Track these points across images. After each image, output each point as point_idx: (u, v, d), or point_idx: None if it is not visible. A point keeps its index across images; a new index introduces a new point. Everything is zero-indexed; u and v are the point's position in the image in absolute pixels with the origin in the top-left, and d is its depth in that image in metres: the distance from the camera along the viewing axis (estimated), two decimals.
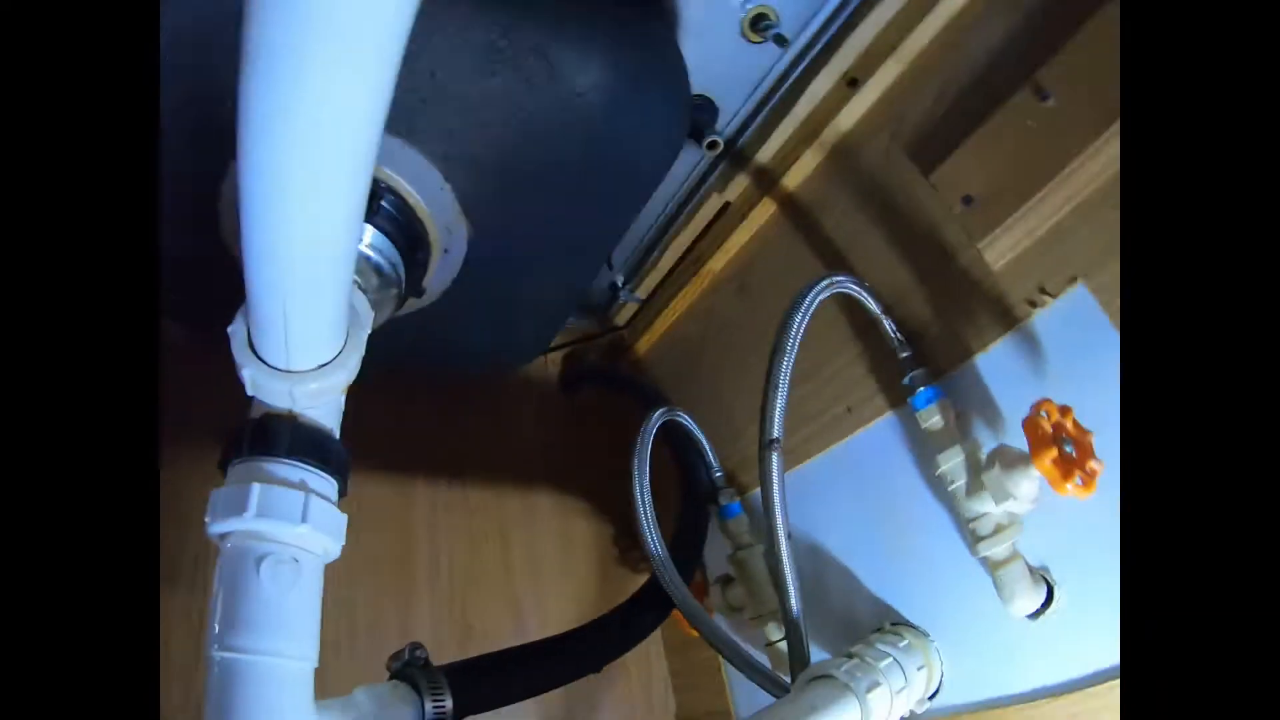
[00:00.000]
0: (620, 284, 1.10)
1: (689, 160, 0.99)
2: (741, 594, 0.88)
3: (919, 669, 0.73)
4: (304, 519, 0.47)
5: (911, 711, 0.74)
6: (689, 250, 1.04)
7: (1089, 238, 0.68)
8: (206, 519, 0.47)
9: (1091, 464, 0.62)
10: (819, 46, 0.90)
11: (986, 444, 0.72)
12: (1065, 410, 0.64)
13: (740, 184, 0.98)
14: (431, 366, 0.96)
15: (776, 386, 0.68)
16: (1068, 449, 0.62)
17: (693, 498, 0.91)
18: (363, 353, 0.53)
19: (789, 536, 0.71)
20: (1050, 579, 0.69)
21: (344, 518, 0.51)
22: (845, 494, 0.86)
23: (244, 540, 0.46)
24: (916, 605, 0.79)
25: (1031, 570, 0.69)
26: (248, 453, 0.49)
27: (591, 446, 1.10)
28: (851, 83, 0.88)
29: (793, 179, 0.94)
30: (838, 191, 0.91)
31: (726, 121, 0.96)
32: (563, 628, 0.74)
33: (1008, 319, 0.73)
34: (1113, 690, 0.61)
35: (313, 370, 0.48)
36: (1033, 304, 0.72)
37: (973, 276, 0.76)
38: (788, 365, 0.69)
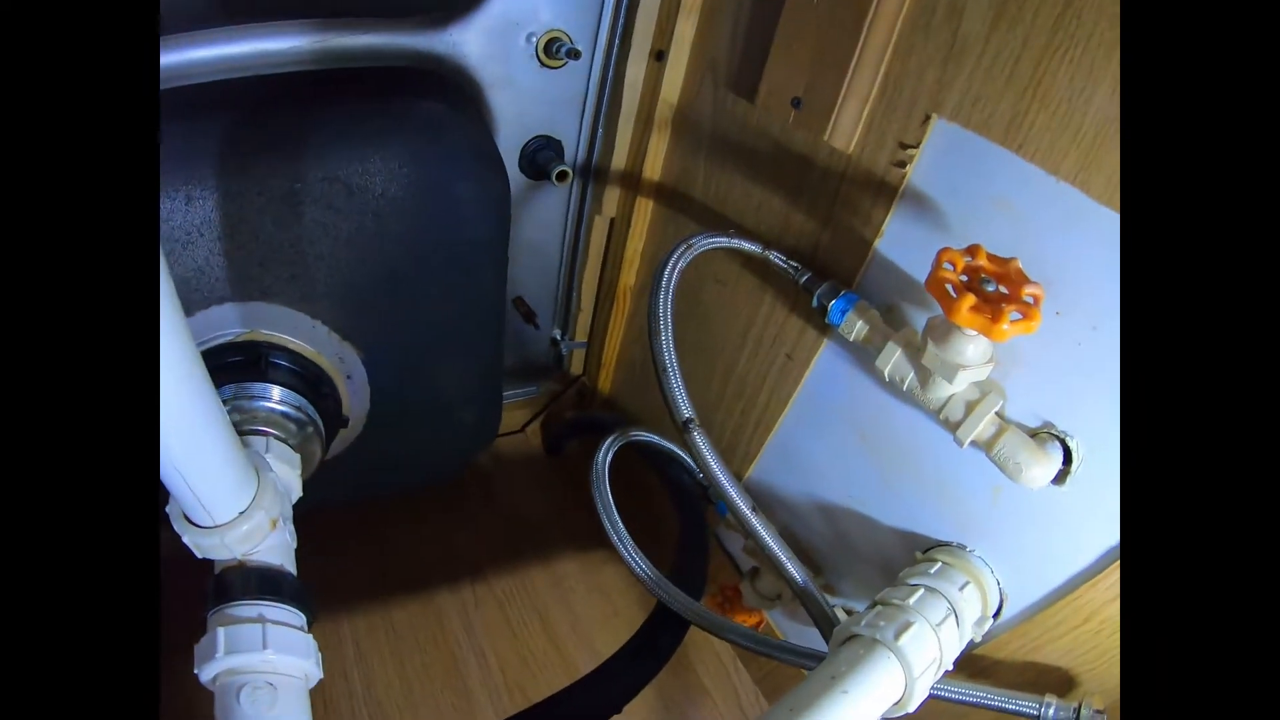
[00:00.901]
0: (559, 337, 1.03)
1: (559, 197, 0.93)
2: (771, 581, 0.77)
3: (962, 588, 0.61)
4: (265, 646, 0.49)
5: (973, 637, 0.61)
6: (601, 277, 0.97)
7: (919, 71, 0.60)
8: (195, 671, 0.49)
9: (1026, 291, 0.51)
10: (616, 40, 0.84)
11: (920, 326, 0.61)
12: (973, 249, 0.53)
13: (613, 196, 0.92)
14: (406, 485, 0.92)
15: (665, 369, 0.60)
16: (989, 288, 0.51)
17: (684, 509, 0.81)
18: (283, 489, 0.59)
19: (753, 509, 0.61)
20: (1059, 434, 0.56)
21: (310, 640, 0.53)
22: (825, 439, 0.74)
23: (225, 679, 0.48)
24: (941, 521, 0.67)
25: (1036, 433, 0.57)
26: (213, 605, 0.51)
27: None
28: (659, 56, 0.82)
29: (652, 168, 0.87)
30: (693, 157, 0.83)
31: (574, 148, 0.90)
32: None
33: (886, 192, 0.64)
34: None
35: (235, 519, 0.51)
36: (900, 164, 0.62)
37: (835, 170, 0.67)
38: (668, 344, 0.60)
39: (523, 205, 0.92)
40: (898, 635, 0.54)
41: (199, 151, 0.61)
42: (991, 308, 0.50)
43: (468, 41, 0.81)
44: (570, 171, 0.86)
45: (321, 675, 0.52)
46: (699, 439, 0.60)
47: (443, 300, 0.74)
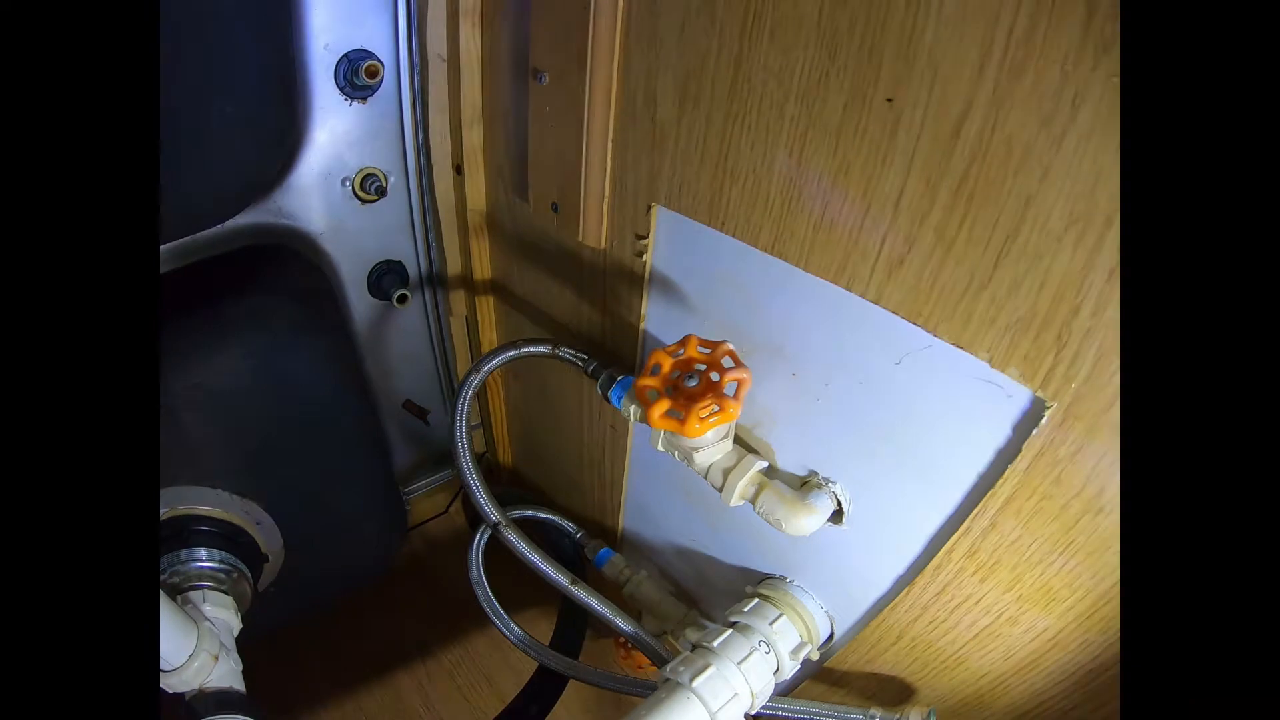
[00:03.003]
0: None
1: (417, 308, 0.95)
2: (653, 623, 0.78)
3: (774, 621, 0.61)
4: None
5: (806, 660, 0.61)
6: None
7: (635, 163, 0.60)
8: None
9: (729, 378, 0.51)
10: (422, 163, 0.85)
11: None
12: (684, 342, 0.54)
13: (459, 298, 0.93)
14: (339, 593, 0.96)
15: (468, 485, 0.61)
16: (691, 383, 0.52)
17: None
18: (222, 627, 0.65)
19: (573, 581, 0.62)
20: (821, 481, 0.57)
21: None
22: (661, 495, 0.75)
23: None
24: (764, 557, 0.67)
25: (806, 481, 0.58)
26: None
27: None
28: (458, 170, 0.83)
29: (481, 269, 0.87)
30: (508, 257, 0.84)
31: (414, 264, 0.92)
32: None
33: (637, 280, 0.64)
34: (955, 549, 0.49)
35: (185, 662, 0.58)
36: (639, 254, 0.62)
37: (598, 265, 0.68)
38: (469, 463, 0.62)
39: (386, 323, 0.94)
40: (694, 677, 0.55)
41: None
42: (686, 407, 0.50)
43: (291, 203, 0.82)
44: (409, 294, 0.87)
45: None
46: (509, 536, 0.62)
47: (315, 446, 0.77)
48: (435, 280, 0.92)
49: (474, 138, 0.80)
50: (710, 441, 0.55)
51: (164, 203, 0.68)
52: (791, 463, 0.58)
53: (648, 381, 0.51)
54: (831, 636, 0.64)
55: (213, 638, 0.62)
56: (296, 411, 0.75)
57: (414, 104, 0.83)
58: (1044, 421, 0.40)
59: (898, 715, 0.56)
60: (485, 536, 0.76)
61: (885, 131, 0.42)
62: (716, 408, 0.50)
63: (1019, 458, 0.42)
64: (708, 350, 0.53)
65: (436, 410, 1.01)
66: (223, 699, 0.61)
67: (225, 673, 0.62)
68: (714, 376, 0.52)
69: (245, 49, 0.67)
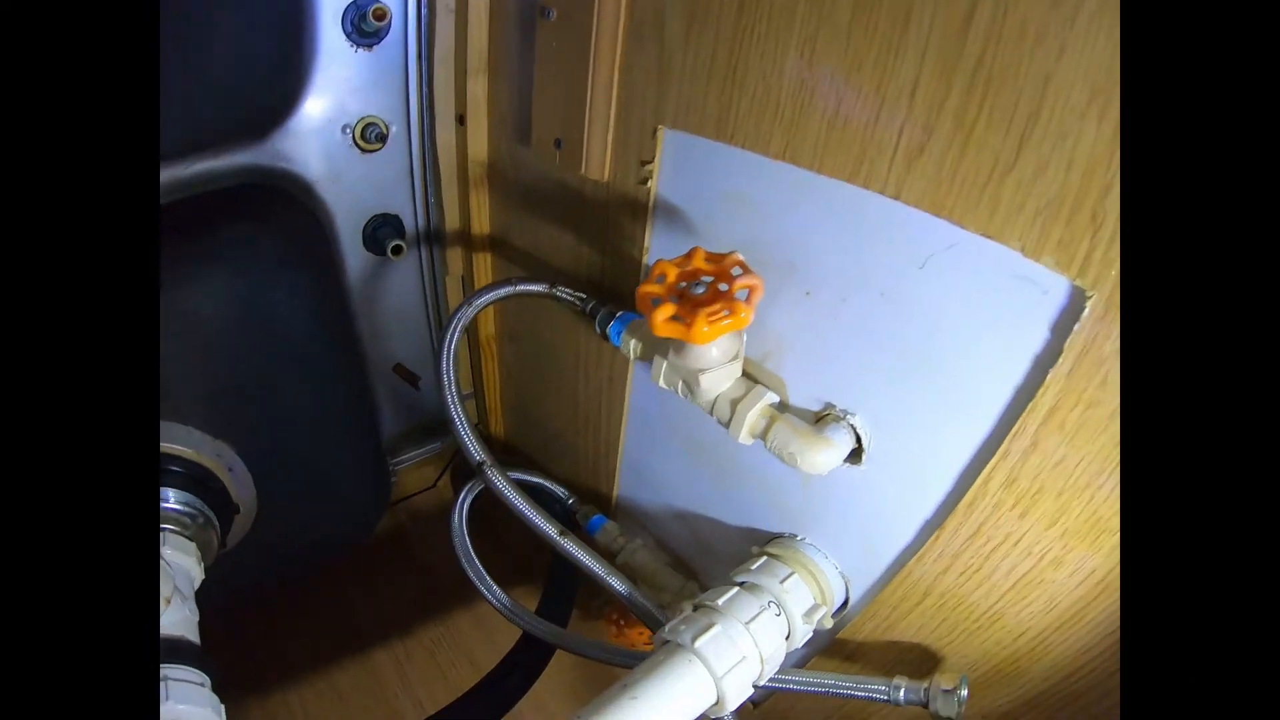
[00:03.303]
0: None
1: (411, 265, 0.91)
2: (648, 595, 0.73)
3: (784, 580, 0.56)
4: (167, 698, 0.50)
5: (819, 628, 0.56)
6: (468, 331, 0.95)
7: (642, 88, 0.58)
8: None
9: (739, 285, 0.47)
10: (425, 113, 0.82)
11: None
12: (691, 254, 0.50)
13: (456, 256, 0.89)
14: (313, 559, 0.91)
15: (453, 420, 0.57)
16: (698, 290, 0.48)
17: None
18: (180, 571, 0.59)
19: (561, 533, 0.57)
20: (840, 414, 0.52)
21: (209, 694, 0.53)
22: (660, 452, 0.71)
23: None
24: (771, 513, 0.62)
25: (822, 416, 0.53)
26: None
27: (513, 536, 0.98)
28: (460, 120, 0.80)
29: (479, 224, 0.84)
30: (508, 209, 0.81)
31: (411, 219, 0.88)
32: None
33: (640, 210, 0.61)
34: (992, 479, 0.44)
35: None
36: (644, 181, 0.59)
37: (600, 199, 0.65)
38: (454, 398, 0.58)
39: (380, 279, 0.90)
40: (696, 638, 0.49)
41: None
42: (689, 312, 0.46)
43: (290, 147, 0.79)
44: (404, 245, 0.83)
45: None
46: (493, 477, 0.57)
47: (294, 393, 0.73)
48: (432, 236, 0.89)
49: (478, 87, 0.78)
50: (718, 361, 0.51)
51: (162, 113, 0.66)
52: (805, 396, 0.54)
53: (651, 288, 0.47)
54: (846, 602, 0.59)
55: (168, 580, 0.57)
56: (279, 350, 0.71)
57: (419, 53, 0.81)
58: (1085, 314, 0.36)
59: (925, 685, 0.51)
60: (472, 494, 0.72)
61: (897, 26, 0.40)
62: (727, 312, 0.46)
63: (1060, 360, 0.38)
64: (714, 263, 0.49)
65: (427, 377, 0.96)
66: (174, 647, 0.55)
67: (179, 620, 0.57)
68: (722, 287, 0.48)
69: None
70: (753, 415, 0.52)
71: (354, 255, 0.87)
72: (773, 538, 0.62)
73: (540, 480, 0.79)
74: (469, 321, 0.61)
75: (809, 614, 0.55)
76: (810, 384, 0.53)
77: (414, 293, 0.93)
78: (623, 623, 0.80)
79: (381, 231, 0.86)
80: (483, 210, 0.83)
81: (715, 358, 0.51)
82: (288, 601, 0.95)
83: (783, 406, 0.55)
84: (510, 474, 0.77)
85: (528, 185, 0.75)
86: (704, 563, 0.73)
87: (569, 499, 0.78)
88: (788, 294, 0.52)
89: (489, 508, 0.70)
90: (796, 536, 0.60)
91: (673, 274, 0.49)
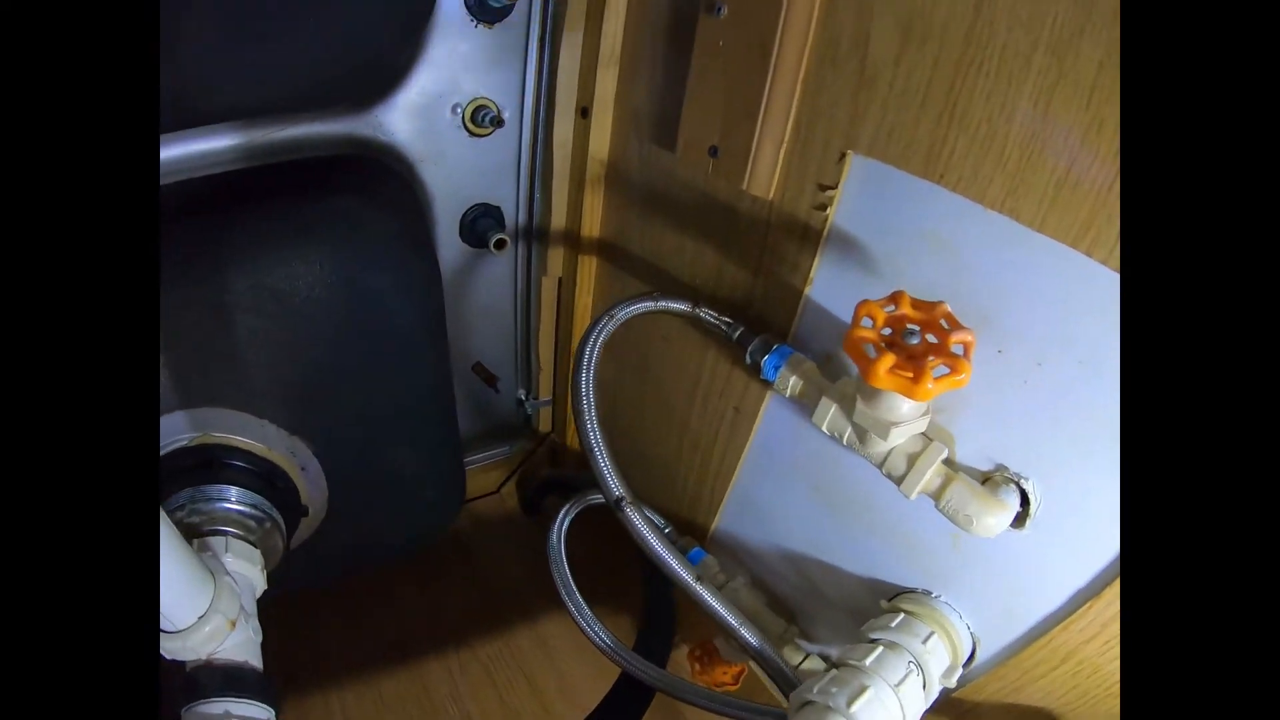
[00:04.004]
0: (523, 398, 0.96)
1: (506, 261, 0.87)
2: None
3: (926, 640, 0.53)
4: None
5: (944, 689, 0.53)
6: (556, 335, 0.91)
7: (830, 107, 0.53)
8: None
9: (954, 340, 0.43)
10: (541, 101, 0.78)
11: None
12: (896, 297, 0.46)
13: (557, 256, 0.85)
14: (376, 562, 0.87)
15: (592, 449, 0.53)
16: (912, 340, 0.44)
17: (646, 570, 0.74)
18: (244, 587, 0.55)
19: (698, 579, 0.54)
20: (1013, 477, 0.49)
21: None
22: (781, 490, 0.67)
23: None
24: (904, 567, 0.59)
25: (989, 477, 0.50)
26: (184, 703, 0.50)
27: (576, 552, 0.94)
28: (583, 113, 0.76)
29: (590, 225, 0.80)
30: (628, 212, 0.77)
31: (513, 212, 0.84)
32: None
33: (810, 237, 0.56)
34: None
35: (194, 624, 0.49)
36: (821, 207, 0.55)
37: (759, 218, 0.60)
38: (593, 424, 0.54)
39: (470, 272, 0.86)
40: (851, 701, 0.46)
41: None
42: (914, 365, 0.42)
43: (393, 121, 0.76)
44: (508, 239, 0.79)
45: None
46: (631, 516, 0.53)
47: (384, 387, 0.68)
48: (534, 233, 0.84)
49: (608, 79, 0.74)
50: (909, 417, 0.47)
51: (268, 68, 0.61)
52: (975, 454, 0.51)
53: (863, 334, 0.43)
54: (972, 659, 0.56)
55: (232, 597, 0.52)
56: (374, 340, 0.66)
57: (541, 37, 0.76)
58: None
59: None
60: (572, 513, 0.68)
61: None
62: (947, 368, 0.42)
63: None
64: (923, 311, 0.45)
65: (506, 379, 0.92)
66: (233, 676, 0.51)
67: (241, 643, 0.53)
68: (930, 338, 0.44)
69: None
70: (930, 472, 0.49)
71: (448, 244, 0.83)
72: (901, 591, 0.59)
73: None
74: (610, 336, 0.57)
75: (945, 675, 0.53)
76: (983, 442, 0.50)
77: (504, 289, 0.89)
78: (706, 660, 0.76)
79: (481, 223, 0.81)
80: (595, 211, 0.79)
81: (908, 412, 0.47)
82: (332, 596, 0.91)
83: (951, 463, 0.52)
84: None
85: (657, 190, 0.71)
86: (809, 606, 0.69)
87: (666, 528, 0.74)
88: (978, 349, 0.48)
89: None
90: (931, 593, 0.57)
91: (880, 318, 0.45)
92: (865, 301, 0.46)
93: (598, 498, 0.73)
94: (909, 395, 0.42)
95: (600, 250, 0.81)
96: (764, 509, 0.70)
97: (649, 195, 0.72)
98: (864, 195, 0.53)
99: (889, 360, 0.42)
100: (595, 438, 0.53)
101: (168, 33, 0.50)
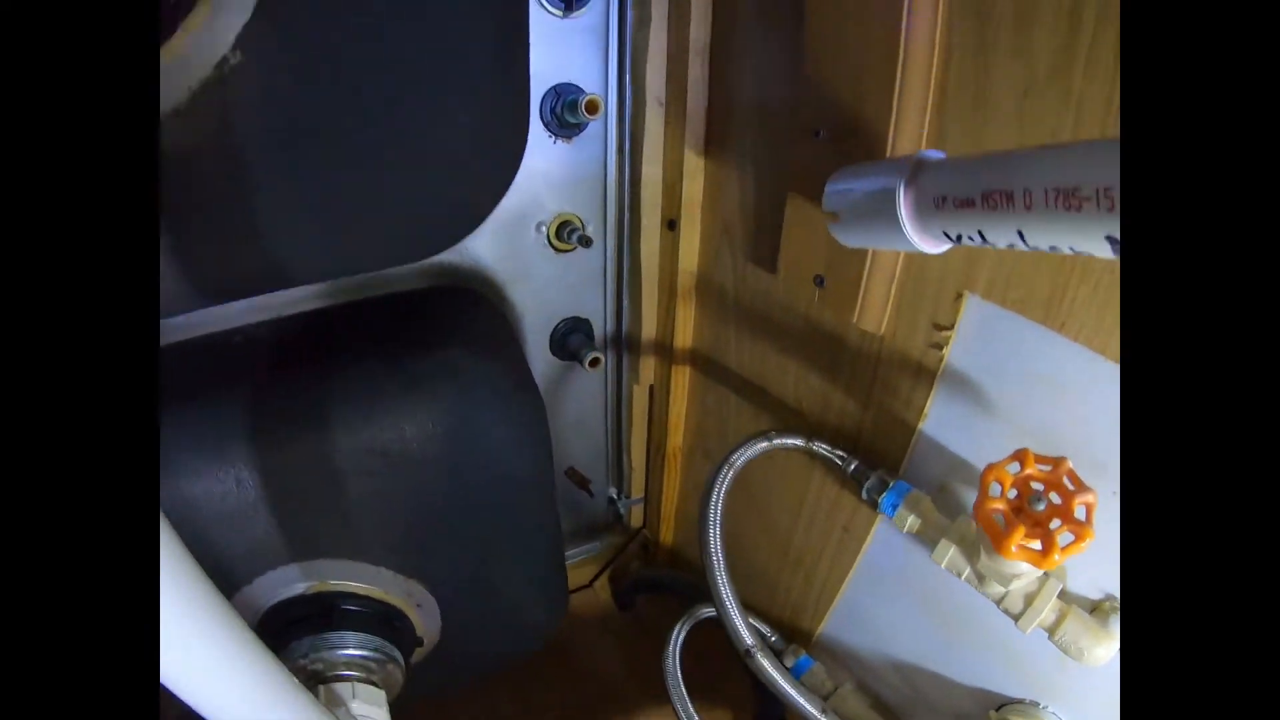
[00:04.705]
0: (615, 496, 0.98)
1: (597, 373, 0.90)
2: None
3: None
4: None
5: None
6: (649, 438, 0.92)
7: (949, 251, 0.53)
8: None
9: (1078, 502, 0.44)
10: (625, 214, 0.80)
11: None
12: (1020, 457, 0.47)
13: (649, 365, 0.87)
14: (483, 674, 0.88)
15: (723, 602, 0.54)
16: (1039, 506, 0.45)
17: (757, 688, 0.74)
18: None
19: (823, 711, 0.55)
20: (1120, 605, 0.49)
21: None
22: (889, 605, 0.67)
23: None
24: (1011, 679, 0.59)
25: (1099, 605, 0.51)
26: None
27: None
28: (670, 225, 0.78)
29: (683, 336, 0.82)
30: (722, 326, 0.78)
31: (602, 323, 0.87)
32: None
33: (925, 374, 0.57)
34: None
35: None
36: (937, 346, 0.56)
37: (869, 351, 0.61)
38: (724, 577, 0.55)
39: (562, 383, 0.89)
40: None
41: (232, 434, 0.59)
42: (1042, 534, 0.43)
43: (479, 246, 0.78)
44: (601, 357, 0.81)
45: None
46: (764, 664, 0.55)
47: (496, 526, 0.70)
48: (623, 343, 0.87)
49: (693, 190, 0.76)
50: (1030, 570, 0.48)
51: (361, 235, 0.62)
52: (1085, 584, 0.52)
53: (994, 505, 0.44)
54: None
55: None
56: (484, 485, 0.68)
57: (620, 148, 0.78)
58: None
59: None
60: (685, 630, 0.69)
61: None
62: (1072, 535, 0.43)
63: None
64: (1047, 468, 0.46)
65: (598, 478, 0.94)
66: None
67: None
68: (1054, 498, 0.45)
69: (483, 53, 0.56)
70: (1046, 610, 0.50)
71: (538, 359, 0.86)
72: (1008, 701, 0.59)
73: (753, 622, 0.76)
74: (730, 485, 0.58)
75: None
76: (1095, 574, 0.51)
77: (595, 397, 0.91)
78: None
79: (573, 339, 0.84)
80: (687, 322, 0.81)
81: (1030, 569, 0.48)
82: (431, 703, 0.93)
83: (1065, 594, 0.52)
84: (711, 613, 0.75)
85: (755, 308, 0.73)
86: (913, 711, 0.69)
87: (772, 637, 0.75)
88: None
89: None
90: (1038, 704, 0.57)
91: (1008, 482, 0.46)
92: (992, 466, 0.47)
93: (707, 612, 0.74)
94: (1037, 565, 0.43)
95: (693, 361, 0.83)
96: (871, 620, 0.70)
97: (745, 312, 0.74)
98: (979, 335, 0.54)
99: (1020, 534, 0.43)
100: (726, 591, 0.55)
101: (261, 206, 0.52)
